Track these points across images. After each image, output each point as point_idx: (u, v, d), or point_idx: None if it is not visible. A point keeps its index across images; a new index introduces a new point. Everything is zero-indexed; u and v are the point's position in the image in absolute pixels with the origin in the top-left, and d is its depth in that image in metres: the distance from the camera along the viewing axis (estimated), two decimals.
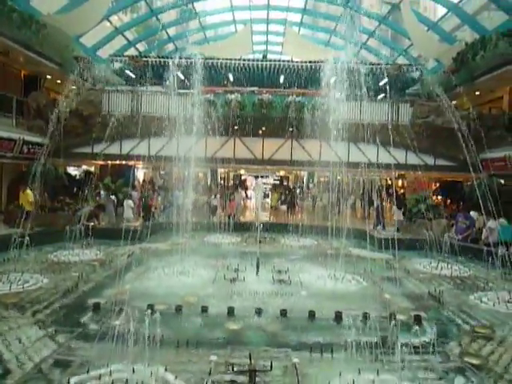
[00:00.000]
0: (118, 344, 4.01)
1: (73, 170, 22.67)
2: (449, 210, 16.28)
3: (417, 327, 5.32)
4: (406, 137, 15.91)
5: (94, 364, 3.97)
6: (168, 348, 4.41)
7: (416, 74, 22.89)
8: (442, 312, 6.07)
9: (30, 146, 17.26)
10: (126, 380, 3.60)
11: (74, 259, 8.64)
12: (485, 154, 14.77)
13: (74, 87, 21.05)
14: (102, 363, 3.93)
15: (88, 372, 3.77)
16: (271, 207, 21.37)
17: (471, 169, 17.24)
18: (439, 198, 20.18)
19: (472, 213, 10.54)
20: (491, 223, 10.67)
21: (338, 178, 15.21)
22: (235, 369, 3.88)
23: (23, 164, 16.38)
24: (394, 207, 14.36)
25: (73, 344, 4.54)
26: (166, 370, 3.86)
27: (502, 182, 15.21)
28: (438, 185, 21.44)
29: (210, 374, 3.86)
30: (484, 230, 11.06)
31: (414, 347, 4.63)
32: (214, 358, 4.15)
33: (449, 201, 18.73)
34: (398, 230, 13.24)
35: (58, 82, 20.57)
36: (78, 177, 21.77)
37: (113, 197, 14.63)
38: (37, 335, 4.72)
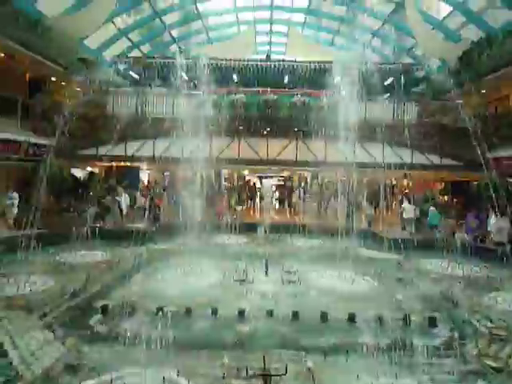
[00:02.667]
0: (128, 347, 3.94)
1: (77, 172, 22.64)
2: (455, 210, 16.10)
3: (432, 329, 5.23)
4: (412, 136, 15.75)
5: (104, 368, 3.89)
6: (179, 351, 4.31)
7: (421, 74, 22.79)
8: (456, 313, 5.94)
9: (36, 148, 17.25)
10: None
11: (80, 261, 8.57)
12: (492, 153, 14.61)
13: (78, 89, 21.08)
14: (111, 367, 3.84)
15: (99, 376, 3.68)
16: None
17: (480, 168, 17.11)
18: (445, 197, 20.01)
19: (501, 220, 10.38)
20: (502, 222, 10.54)
21: (343, 178, 15.11)
22: (249, 372, 3.77)
23: (29, 166, 16.35)
24: (408, 205, 14.20)
25: (82, 347, 4.45)
26: (178, 374, 3.77)
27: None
28: (443, 184, 21.26)
29: (223, 377, 3.76)
30: (494, 229, 10.92)
31: (431, 349, 4.53)
32: (226, 361, 4.05)
33: (455, 200, 18.54)
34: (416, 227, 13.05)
35: (63, 83, 20.56)
36: (82, 178, 21.76)
37: (118, 198, 14.57)
38: (45, 338, 4.63)
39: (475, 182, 19.06)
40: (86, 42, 22.20)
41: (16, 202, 12.17)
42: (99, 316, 5.38)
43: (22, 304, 5.70)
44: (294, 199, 19.89)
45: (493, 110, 18.48)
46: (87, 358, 4.19)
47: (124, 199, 15.37)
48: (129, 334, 4.04)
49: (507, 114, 17.78)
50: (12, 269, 7.28)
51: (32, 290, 6.44)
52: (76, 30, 18.97)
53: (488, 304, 6.40)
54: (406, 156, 18.22)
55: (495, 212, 11.66)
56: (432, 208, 13.54)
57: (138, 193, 17.69)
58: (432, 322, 5.34)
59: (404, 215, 14.41)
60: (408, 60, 25.05)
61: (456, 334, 5.06)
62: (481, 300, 6.62)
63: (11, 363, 4.00)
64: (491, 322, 5.59)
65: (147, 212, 16.39)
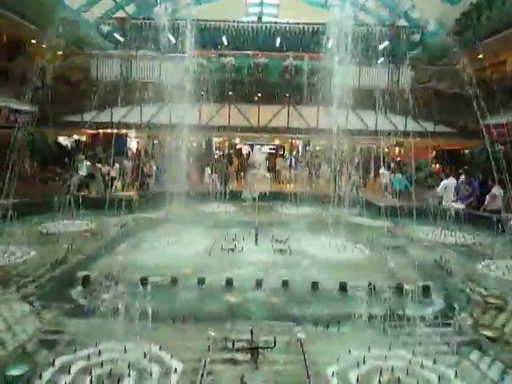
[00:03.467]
0: (108, 320, 3.71)
1: (63, 140, 22.02)
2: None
3: (426, 298, 5.09)
4: (406, 102, 15.36)
5: (82, 342, 3.67)
6: (163, 324, 4.10)
7: (417, 37, 22.11)
8: (450, 282, 5.81)
9: (17, 115, 16.62)
10: (117, 360, 3.29)
11: (63, 230, 8.27)
12: (487, 120, 14.34)
13: (60, 52, 20.14)
14: (91, 341, 3.62)
15: (75, 352, 3.46)
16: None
17: (474, 135, 16.88)
18: (437, 165, 19.83)
19: (495, 188, 10.19)
20: (495, 190, 10.40)
21: (335, 146, 14.81)
22: (236, 346, 3.58)
23: (10, 133, 15.74)
24: (384, 171, 14.15)
25: (60, 320, 4.22)
26: (160, 348, 3.56)
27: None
28: (434, 152, 21.06)
29: (208, 351, 3.56)
30: (487, 197, 10.80)
31: (425, 319, 4.39)
32: (212, 333, 3.84)
33: (448, 168, 18.39)
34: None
35: (44, 46, 19.60)
36: (68, 146, 21.20)
37: (99, 165, 14.12)
38: (23, 311, 4.39)
39: (468, 150, 18.91)
40: (66, 1, 21.03)
41: None
42: (80, 287, 5.14)
43: None
44: (279, 166, 19.54)
45: (489, 76, 18.05)
46: (65, 332, 3.95)
47: (116, 167, 14.99)
48: (110, 306, 3.79)
49: (504, 80, 17.41)
50: None
51: (11, 260, 6.16)
52: None
53: (482, 272, 6.29)
54: (400, 123, 17.90)
55: (489, 180, 11.54)
56: (398, 174, 14.33)
57: (126, 161, 17.24)
58: (425, 291, 5.19)
59: (381, 180, 14.40)
60: (404, 23, 24.25)
61: (450, 304, 4.93)
62: (474, 268, 6.50)
63: None
64: (485, 290, 5.48)
65: (136, 180, 16.06)
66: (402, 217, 9.19)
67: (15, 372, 3.17)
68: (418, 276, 5.95)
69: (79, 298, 4.86)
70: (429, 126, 18.06)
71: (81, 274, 5.46)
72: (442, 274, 6.16)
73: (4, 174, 9.20)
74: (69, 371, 3.18)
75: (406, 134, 17.04)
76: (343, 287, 5.28)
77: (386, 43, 19.18)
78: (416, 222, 9.00)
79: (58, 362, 3.32)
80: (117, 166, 15.32)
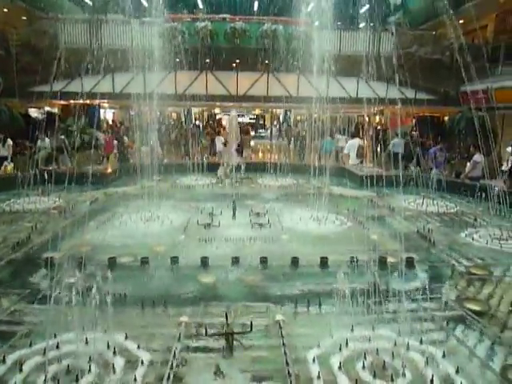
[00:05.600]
0: (69, 307, 3.36)
1: (34, 112, 20.93)
2: (428, 146, 15.90)
3: (409, 271, 4.92)
4: (387, 69, 14.95)
5: (41, 333, 3.33)
6: (131, 309, 3.79)
7: (398, 1, 21.51)
8: (433, 252, 5.66)
9: None
10: (76, 354, 2.98)
11: (29, 207, 7.77)
12: (466, 86, 14.12)
13: (24, 17, 18.81)
14: (50, 332, 3.28)
15: (31, 346, 3.12)
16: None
17: (455, 102, 16.67)
18: (417, 133, 19.68)
19: (476, 155, 10.12)
20: (477, 157, 10.30)
21: (315, 115, 14.45)
22: (209, 332, 3.30)
23: None
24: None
25: (18, 308, 3.86)
26: (126, 337, 3.26)
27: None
28: (414, 120, 20.89)
29: (179, 339, 3.28)
30: (468, 164, 10.74)
31: (408, 294, 4.21)
32: (184, 319, 3.56)
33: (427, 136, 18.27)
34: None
35: (5, 10, 18.28)
36: (38, 118, 20.17)
37: (62, 137, 13.42)
38: None
39: (447, 117, 18.82)
40: None
41: None
42: (43, 271, 4.75)
43: None
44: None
45: (470, 41, 17.69)
46: (21, 322, 3.61)
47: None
48: (73, 292, 3.43)
49: (484, 45, 17.11)
50: None
51: None
52: None
53: (465, 241, 6.16)
54: (381, 90, 17.53)
55: (469, 147, 11.47)
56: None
57: (100, 132, 16.50)
58: (409, 264, 5.01)
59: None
60: None
61: (434, 276, 4.78)
62: (457, 237, 6.37)
63: None
64: (469, 260, 5.35)
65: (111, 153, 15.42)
66: (384, 186, 9.01)
67: None
68: (400, 247, 5.76)
69: (41, 283, 4.49)
70: (410, 93, 17.76)
71: (44, 255, 5.07)
72: (425, 245, 5.99)
73: None
74: (21, 369, 2.86)
75: (387, 101, 16.75)
76: (324, 262, 5.06)
77: (367, 7, 18.57)
78: (397, 190, 8.82)
79: (11, 357, 2.99)
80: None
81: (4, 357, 2.97)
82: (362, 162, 12.89)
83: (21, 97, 17.37)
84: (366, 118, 22.25)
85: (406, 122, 19.80)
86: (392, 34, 18.60)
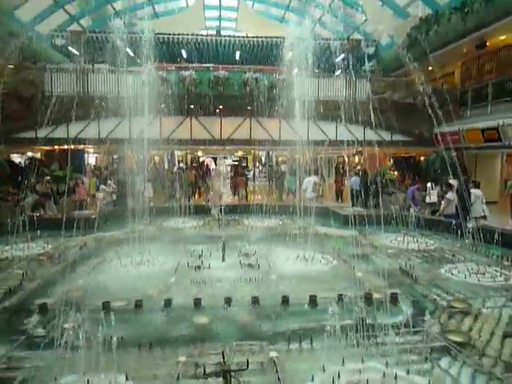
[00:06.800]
0: (69, 351, 3.46)
1: (16, 158, 20.98)
2: (404, 185, 16.56)
3: (394, 306, 5.15)
4: (363, 113, 15.85)
5: (41, 379, 3.40)
6: (129, 352, 3.88)
7: (371, 50, 22.94)
8: (415, 288, 5.92)
9: None
10: None
11: (17, 254, 7.77)
12: (439, 128, 14.99)
13: (10, 66, 19.27)
14: (50, 376, 3.35)
15: None
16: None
17: (428, 143, 17.57)
18: (395, 173, 20.48)
19: (449, 193, 10.67)
20: (449, 195, 10.82)
21: (297, 156, 15.00)
22: (207, 370, 3.43)
23: None
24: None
25: (15, 355, 3.90)
26: (126, 378, 3.35)
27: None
28: (391, 161, 21.78)
29: (178, 378, 3.39)
30: (442, 202, 11.24)
31: (394, 328, 4.41)
32: (182, 358, 3.68)
33: (404, 175, 19.04)
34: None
35: None
36: (22, 164, 20.20)
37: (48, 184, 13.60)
38: None
39: (423, 158, 19.73)
40: (17, 13, 20.21)
41: None
42: (36, 317, 4.80)
43: None
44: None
45: (439, 86, 18.91)
46: (20, 368, 3.65)
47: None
48: (70, 337, 3.54)
49: (452, 90, 18.33)
50: None
51: None
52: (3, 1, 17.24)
53: (445, 277, 6.46)
54: (359, 133, 18.37)
55: (442, 185, 12.08)
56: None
57: (84, 177, 16.61)
58: (394, 299, 5.26)
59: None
60: (359, 37, 25.09)
61: (418, 310, 5.02)
62: (437, 273, 6.67)
63: None
64: (449, 294, 5.62)
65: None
66: (366, 225, 9.35)
67: None
68: (384, 284, 6.01)
69: (36, 329, 4.53)
70: (386, 135, 18.64)
71: (37, 302, 5.12)
72: (408, 281, 6.26)
73: None
74: None
75: (364, 143, 17.53)
76: (313, 300, 5.26)
77: (342, 56, 19.77)
78: (378, 229, 9.18)
79: None
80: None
81: None
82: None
83: (5, 143, 17.50)
84: (346, 159, 23.13)
85: (384, 163, 20.64)
86: (367, 80, 19.74)
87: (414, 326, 4.46)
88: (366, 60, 22.10)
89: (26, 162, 20.42)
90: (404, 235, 9.05)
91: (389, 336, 4.14)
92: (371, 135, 18.36)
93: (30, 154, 21.16)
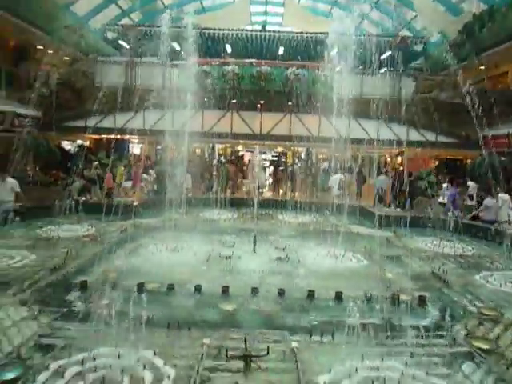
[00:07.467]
0: (104, 325, 3.73)
1: (67, 145, 22.16)
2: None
3: (421, 309, 5.11)
4: (408, 112, 15.45)
5: (78, 347, 3.70)
6: (158, 330, 4.13)
7: (419, 47, 22.23)
8: (446, 292, 5.82)
9: (22, 119, 16.73)
10: (110, 366, 3.32)
11: (63, 235, 8.32)
12: (489, 130, 14.38)
13: (66, 58, 20.33)
14: (86, 346, 3.65)
15: (70, 356, 3.49)
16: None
17: (475, 146, 16.88)
18: (439, 176, 19.82)
19: (487, 199, 10.34)
20: (487, 201, 10.44)
21: (337, 154, 14.97)
22: (229, 353, 3.60)
23: (15, 137, 15.87)
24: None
25: (56, 325, 4.25)
26: (154, 354, 3.59)
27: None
28: (436, 162, 21.08)
29: (202, 358, 3.59)
30: (481, 208, 10.87)
31: (419, 330, 4.40)
32: (207, 341, 3.87)
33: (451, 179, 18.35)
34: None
35: (50, 52, 19.76)
36: (71, 151, 21.33)
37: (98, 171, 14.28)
38: (19, 315, 4.43)
39: (469, 160, 18.94)
40: (72, 8, 21.26)
41: None
42: (77, 292, 5.18)
43: None
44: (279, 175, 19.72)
45: (491, 87, 18.09)
46: (61, 337, 3.99)
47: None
48: (106, 312, 3.81)
49: (505, 91, 17.46)
50: None
51: (10, 264, 6.20)
52: None
53: (479, 283, 6.29)
54: (401, 133, 17.93)
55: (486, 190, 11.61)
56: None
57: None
58: (421, 302, 5.21)
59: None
60: (407, 33, 24.39)
61: (445, 315, 4.95)
62: (472, 279, 6.50)
63: None
64: (481, 302, 5.48)
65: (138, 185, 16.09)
66: (401, 226, 9.22)
67: (9, 375, 3.20)
68: (414, 286, 5.96)
69: (76, 303, 4.90)
70: (430, 136, 18.08)
71: (79, 279, 5.51)
72: (439, 285, 6.15)
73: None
74: (63, 375, 3.21)
75: (407, 143, 17.08)
76: (339, 296, 5.31)
77: (389, 53, 19.30)
78: (414, 231, 9.02)
79: (53, 366, 3.35)
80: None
81: (48, 365, 3.34)
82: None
83: (57, 130, 18.57)
84: (388, 159, 22.62)
85: (427, 164, 20.03)
86: (413, 78, 19.20)
87: (439, 330, 4.43)
88: (414, 57, 21.45)
89: (76, 149, 21.57)
90: (440, 239, 8.83)
91: (412, 337, 4.13)
92: (415, 135, 17.89)
93: (79, 141, 22.31)
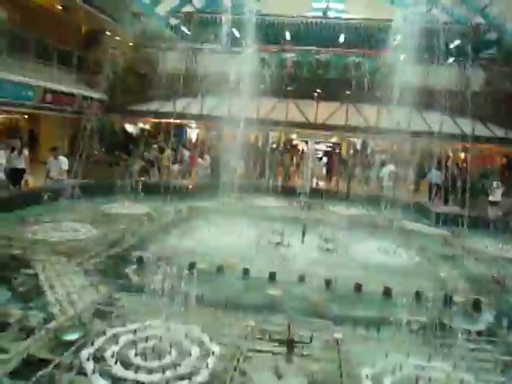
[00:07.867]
0: (156, 299, 3.96)
1: (129, 127, 23.25)
2: None
3: (475, 312, 4.88)
4: (476, 105, 14.48)
5: (131, 317, 3.96)
6: (206, 308, 4.31)
7: (493, 36, 20.74)
8: (504, 297, 5.51)
9: (89, 102, 17.74)
10: (160, 337, 3.53)
11: (123, 212, 8.82)
12: None
13: (131, 44, 21.20)
14: (139, 317, 3.90)
15: (124, 325, 3.75)
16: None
17: None
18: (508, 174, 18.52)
19: None
20: None
21: (395, 147, 14.53)
22: (272, 337, 3.69)
23: (83, 119, 16.89)
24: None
25: (114, 295, 4.57)
26: (202, 330, 3.76)
27: None
28: (505, 160, 19.67)
29: (246, 339, 3.71)
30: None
31: (470, 333, 4.23)
32: (251, 323, 3.99)
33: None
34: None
35: (117, 38, 20.71)
36: (133, 134, 22.34)
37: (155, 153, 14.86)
38: (81, 283, 4.80)
39: None
40: None
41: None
42: (134, 266, 5.51)
43: (63, 250, 5.94)
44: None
45: None
46: (117, 306, 4.29)
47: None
48: (159, 287, 4.05)
49: None
50: (57, 216, 7.60)
51: (75, 237, 6.71)
52: None
53: None
54: (466, 126, 16.90)
55: None
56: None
57: (185, 150, 17.85)
58: (476, 305, 4.97)
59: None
60: (480, 21, 22.74)
61: (501, 321, 4.70)
62: None
63: (48, 304, 4.18)
64: None
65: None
66: (460, 225, 8.79)
67: (72, 337, 3.52)
68: (469, 288, 5.70)
69: (133, 276, 5.22)
70: (499, 132, 16.90)
71: (136, 254, 5.86)
72: (497, 289, 5.83)
73: (75, 157, 10.01)
74: (117, 342, 3.47)
75: (473, 138, 16.08)
76: (388, 292, 5.20)
77: (458, 42, 18.17)
78: (474, 231, 8.56)
79: (109, 332, 3.62)
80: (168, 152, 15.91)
81: (104, 331, 3.62)
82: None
83: (121, 113, 19.54)
84: (451, 154, 21.42)
85: (493, 161, 18.77)
86: (485, 69, 17.97)
87: (493, 336, 4.23)
88: (486, 47, 20.02)
89: (137, 132, 22.57)
90: (503, 241, 8.30)
91: (463, 341, 3.98)
92: (482, 130, 16.80)
93: (140, 125, 23.31)
